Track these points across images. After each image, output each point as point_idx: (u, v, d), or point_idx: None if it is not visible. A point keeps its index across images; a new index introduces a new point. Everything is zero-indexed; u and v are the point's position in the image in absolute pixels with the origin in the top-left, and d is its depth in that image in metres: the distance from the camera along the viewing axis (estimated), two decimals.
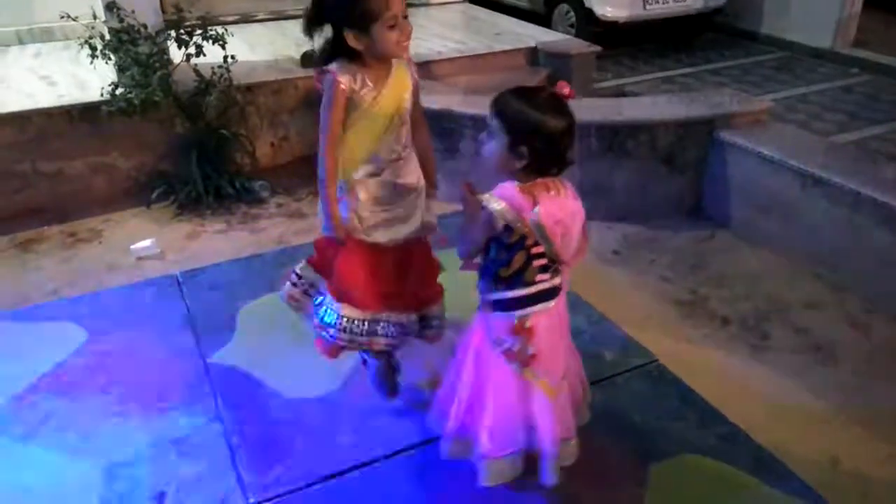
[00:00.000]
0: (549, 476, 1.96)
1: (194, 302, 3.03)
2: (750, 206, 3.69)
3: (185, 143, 4.11)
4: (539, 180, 1.73)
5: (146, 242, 3.66)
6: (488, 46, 5.20)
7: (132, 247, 3.63)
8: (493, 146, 1.75)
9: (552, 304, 1.86)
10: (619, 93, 5.98)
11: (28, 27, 5.15)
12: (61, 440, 2.34)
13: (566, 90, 1.74)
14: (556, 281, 1.86)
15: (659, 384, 2.59)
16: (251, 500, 2.11)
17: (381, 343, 2.17)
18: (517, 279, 1.81)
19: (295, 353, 2.68)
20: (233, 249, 3.62)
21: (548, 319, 1.86)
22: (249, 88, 4.35)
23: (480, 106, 3.94)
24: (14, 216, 3.88)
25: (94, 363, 2.69)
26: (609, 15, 6.81)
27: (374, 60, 1.91)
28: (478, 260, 1.90)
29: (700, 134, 3.82)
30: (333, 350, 2.20)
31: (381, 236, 2.06)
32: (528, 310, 1.83)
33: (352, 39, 1.85)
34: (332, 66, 1.91)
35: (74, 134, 4.00)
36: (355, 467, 2.21)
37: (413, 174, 2.09)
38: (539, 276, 1.81)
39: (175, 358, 2.71)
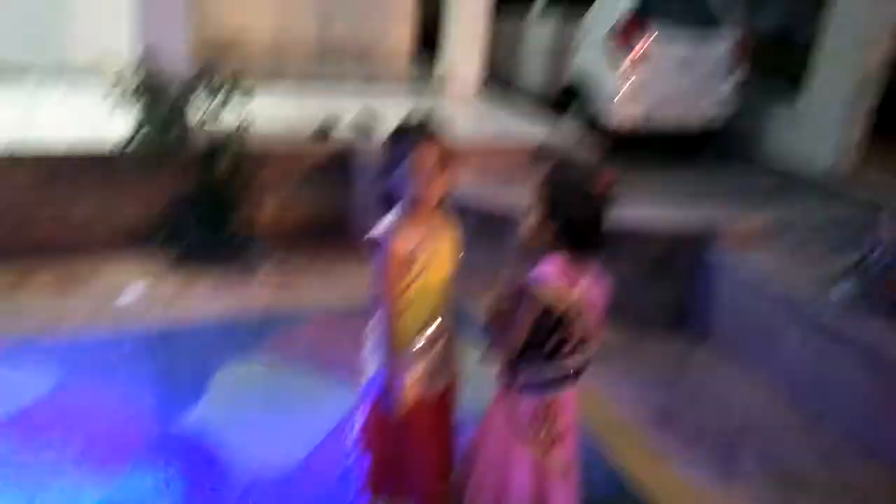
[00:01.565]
0: None
1: (169, 361, 3.05)
2: (733, 325, 3.73)
3: (191, 198, 4.20)
4: (574, 258, 1.82)
5: (135, 291, 3.69)
6: (492, 140, 5.37)
7: (121, 295, 3.66)
8: (531, 226, 1.83)
9: (576, 384, 1.93)
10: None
11: (61, 67, 5.32)
12: (9, 492, 2.30)
13: (609, 175, 1.82)
14: (582, 362, 1.91)
15: (620, 494, 2.56)
16: None
17: None
18: (548, 360, 1.86)
19: (260, 423, 2.69)
20: (218, 309, 3.65)
21: (571, 398, 1.93)
22: (262, 153, 4.47)
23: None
24: (14, 253, 3.91)
25: (56, 413, 2.67)
26: (612, 124, 7.05)
27: (414, 211, 1.84)
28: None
29: (687, 248, 3.91)
30: None
31: (431, 387, 1.97)
32: (556, 391, 1.89)
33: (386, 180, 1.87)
34: (381, 230, 1.83)
35: (86, 178, 4.07)
36: None
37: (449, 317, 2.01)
38: (569, 359, 1.87)
39: (140, 416, 2.70)
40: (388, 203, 1.88)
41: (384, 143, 1.88)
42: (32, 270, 3.85)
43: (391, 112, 5.47)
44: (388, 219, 1.86)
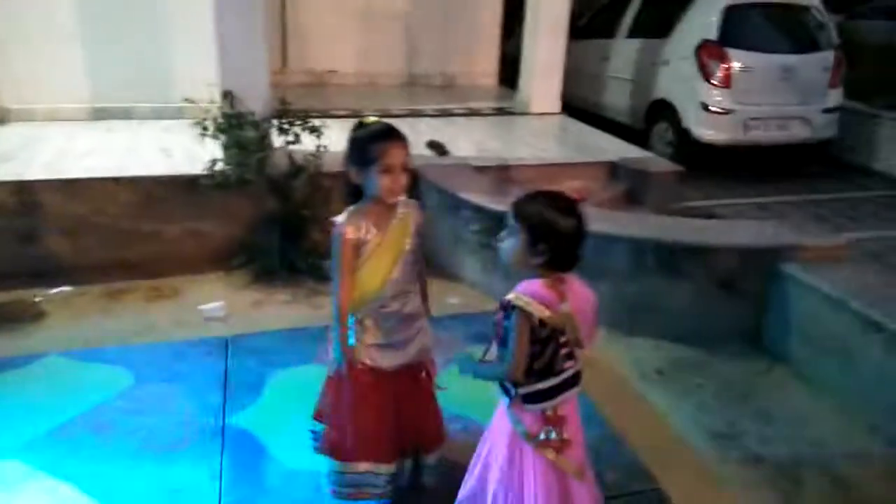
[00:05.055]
0: None
1: (232, 364, 3.26)
2: (810, 344, 3.49)
3: (270, 220, 4.49)
4: (556, 275, 1.90)
5: (215, 305, 3.97)
6: (568, 157, 5.35)
7: (201, 307, 3.95)
8: (513, 244, 1.92)
9: (578, 388, 1.99)
10: (707, 214, 5.89)
11: (164, 105, 5.91)
12: (75, 474, 2.55)
13: (577, 194, 1.93)
14: (579, 366, 1.99)
15: None
16: None
17: (367, 495, 2.27)
18: (548, 370, 1.92)
19: (307, 426, 2.78)
20: (290, 321, 3.85)
21: (572, 404, 2.00)
22: (336, 175, 4.69)
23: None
24: (111, 268, 4.33)
25: (130, 408, 2.93)
26: (706, 137, 6.83)
27: (375, 202, 2.11)
28: (492, 356, 2.00)
29: (762, 263, 3.70)
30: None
31: (384, 360, 2.21)
32: (560, 397, 1.94)
33: (353, 175, 2.13)
34: (340, 219, 2.13)
35: (176, 201, 4.46)
36: None
37: (415, 303, 2.26)
38: (566, 364, 1.94)
39: (200, 413, 2.92)
40: (354, 194, 2.15)
41: (353, 141, 2.11)
42: (129, 285, 4.22)
43: (474, 136, 5.66)
44: (350, 208, 2.14)
